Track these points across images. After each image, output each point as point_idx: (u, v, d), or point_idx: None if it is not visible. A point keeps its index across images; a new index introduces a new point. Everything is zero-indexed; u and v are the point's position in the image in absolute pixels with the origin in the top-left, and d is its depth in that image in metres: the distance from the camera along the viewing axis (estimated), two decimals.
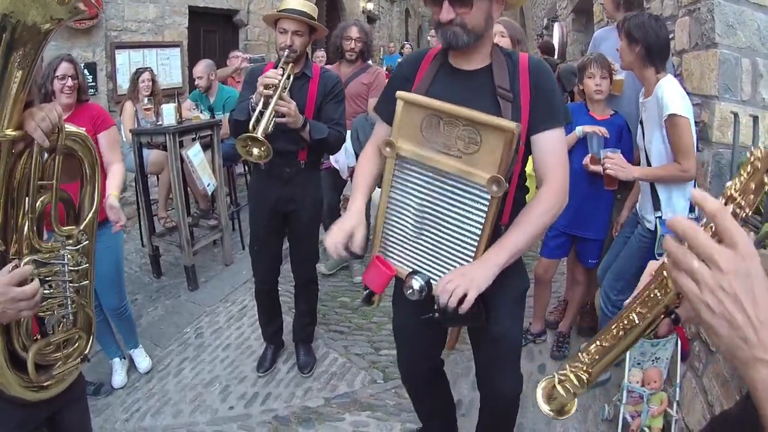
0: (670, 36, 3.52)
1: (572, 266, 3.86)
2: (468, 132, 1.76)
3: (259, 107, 2.89)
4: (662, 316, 0.98)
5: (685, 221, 0.79)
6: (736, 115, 2.91)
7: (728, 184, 0.86)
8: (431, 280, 1.94)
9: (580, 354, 1.18)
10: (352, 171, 4.25)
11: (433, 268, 1.98)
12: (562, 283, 4.38)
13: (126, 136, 5.15)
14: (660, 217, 2.89)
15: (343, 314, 4.45)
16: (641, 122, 3.00)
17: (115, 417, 3.31)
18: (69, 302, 1.56)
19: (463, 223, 1.87)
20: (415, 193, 1.93)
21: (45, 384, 1.55)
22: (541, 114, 1.92)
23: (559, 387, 1.20)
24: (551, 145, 1.94)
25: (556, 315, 4.09)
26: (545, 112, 1.92)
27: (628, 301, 1.08)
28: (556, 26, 10.32)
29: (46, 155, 1.47)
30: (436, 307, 1.87)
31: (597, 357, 1.14)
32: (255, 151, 2.92)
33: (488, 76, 1.95)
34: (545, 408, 1.29)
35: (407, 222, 1.98)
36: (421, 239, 1.97)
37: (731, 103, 3.01)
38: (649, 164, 2.97)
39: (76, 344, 1.66)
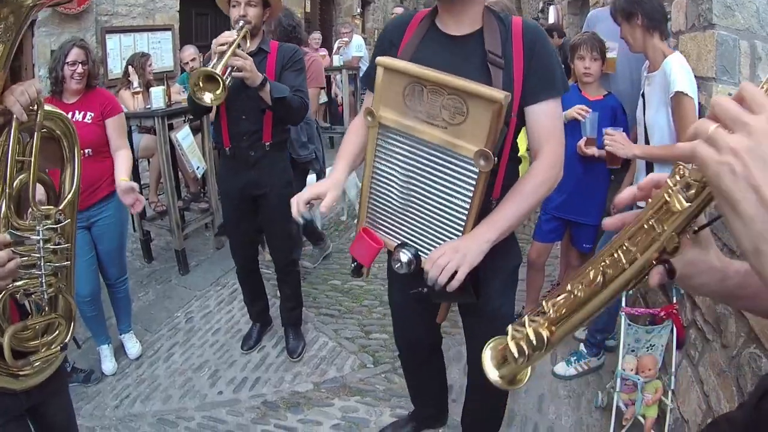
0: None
1: (566, 250, 3.85)
2: (453, 101, 1.65)
3: (214, 59, 2.78)
4: (654, 261, 0.77)
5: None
6: None
7: None
8: (420, 253, 1.87)
9: (544, 303, 0.93)
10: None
11: (422, 240, 1.90)
12: (556, 267, 4.37)
13: None
14: None
15: (333, 297, 4.43)
16: (643, 96, 2.95)
17: (106, 404, 3.29)
18: (45, 282, 1.52)
19: (451, 196, 1.78)
20: (400, 163, 1.84)
21: (23, 372, 1.51)
22: (537, 83, 1.80)
23: (511, 344, 0.96)
24: (547, 117, 1.82)
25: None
26: (541, 81, 1.80)
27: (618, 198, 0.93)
28: (552, 9, 10.25)
29: (27, 138, 1.46)
30: (426, 281, 1.82)
31: (565, 311, 0.89)
32: (207, 96, 2.77)
33: (479, 41, 1.82)
34: (493, 374, 1.06)
35: (393, 193, 1.89)
36: (408, 211, 1.89)
37: (729, 85, 2.95)
38: (647, 141, 2.92)
39: (56, 332, 1.62)
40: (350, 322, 4.06)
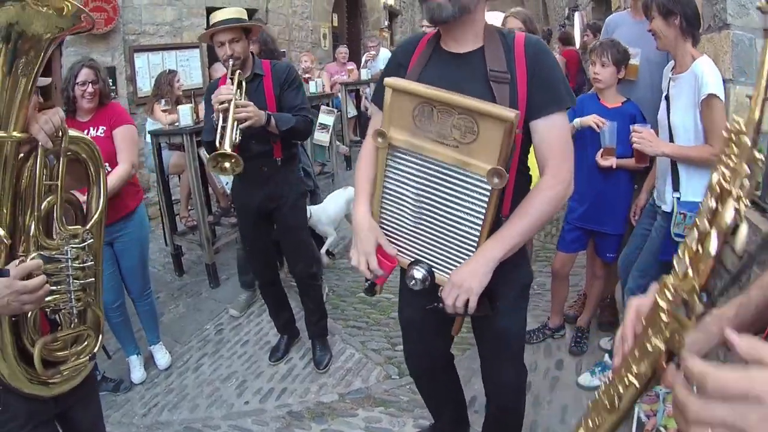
0: None
1: (591, 260, 3.80)
2: (464, 121, 1.67)
3: (220, 123, 2.99)
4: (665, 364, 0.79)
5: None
6: (751, 98, 2.80)
7: (714, 177, 0.75)
8: (433, 269, 1.91)
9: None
10: None
11: (435, 257, 1.93)
12: (582, 277, 4.34)
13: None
14: (678, 198, 2.83)
15: (361, 310, 4.46)
16: (667, 98, 2.91)
17: (134, 412, 3.38)
18: (73, 297, 1.61)
19: (464, 214, 1.80)
20: (411, 183, 1.86)
21: (52, 380, 1.60)
22: (540, 97, 1.79)
23: None
24: (552, 132, 1.82)
25: (575, 309, 4.03)
26: (545, 96, 1.79)
27: (615, 363, 0.94)
28: (577, 15, 10.23)
29: (54, 161, 1.55)
30: (440, 296, 1.85)
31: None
32: (226, 164, 3.01)
33: (480, 58, 1.83)
34: None
35: (405, 212, 1.92)
36: (421, 229, 1.92)
37: (746, 86, 2.90)
38: (671, 142, 2.88)
39: (86, 342, 1.72)
40: (377, 334, 4.10)
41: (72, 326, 1.65)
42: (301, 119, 3.26)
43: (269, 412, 3.30)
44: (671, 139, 2.90)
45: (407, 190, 1.89)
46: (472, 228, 1.81)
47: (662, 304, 0.79)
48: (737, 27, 2.90)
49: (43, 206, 1.53)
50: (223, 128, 2.97)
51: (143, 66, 6.46)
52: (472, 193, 1.76)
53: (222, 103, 2.97)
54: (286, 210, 3.44)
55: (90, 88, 3.28)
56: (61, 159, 1.54)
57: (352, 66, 9.57)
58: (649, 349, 0.81)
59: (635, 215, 3.36)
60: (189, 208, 5.81)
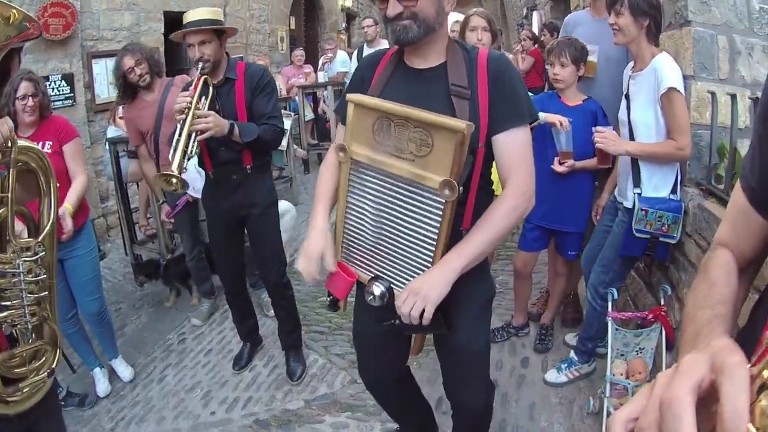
0: None
1: (553, 258, 3.85)
2: (419, 134, 1.69)
3: (176, 135, 2.87)
4: None
5: None
6: (713, 94, 2.85)
7: None
8: (392, 286, 1.89)
9: None
10: None
11: (394, 273, 1.93)
12: (545, 274, 4.37)
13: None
14: (639, 194, 2.85)
15: (323, 314, 4.43)
16: (627, 96, 2.94)
17: (102, 427, 3.31)
18: (27, 312, 1.55)
19: (419, 228, 1.80)
20: (371, 197, 1.88)
21: (12, 398, 1.54)
22: (502, 112, 1.80)
23: None
24: (514, 145, 1.81)
25: (538, 307, 4.09)
26: (506, 110, 1.80)
27: None
28: (535, 15, 10.34)
29: (5, 173, 1.49)
30: (398, 314, 1.83)
31: None
32: (173, 180, 2.87)
33: (443, 74, 1.84)
34: None
35: (365, 227, 1.92)
36: (380, 244, 1.92)
37: (708, 82, 2.95)
38: (632, 140, 2.90)
39: (44, 358, 1.65)
40: (340, 338, 4.07)
41: (29, 342, 1.59)
42: (269, 129, 3.16)
43: (236, 422, 3.26)
44: (632, 137, 2.91)
45: (367, 204, 1.89)
46: (427, 242, 1.81)
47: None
48: (698, 24, 2.94)
49: None
50: (177, 141, 2.85)
51: (101, 72, 6.32)
52: (427, 207, 1.77)
53: (180, 112, 2.84)
54: (256, 218, 3.37)
55: (30, 102, 3.16)
56: (11, 170, 1.48)
57: (309, 69, 9.53)
58: None
59: (597, 215, 3.39)
60: (148, 216, 5.70)
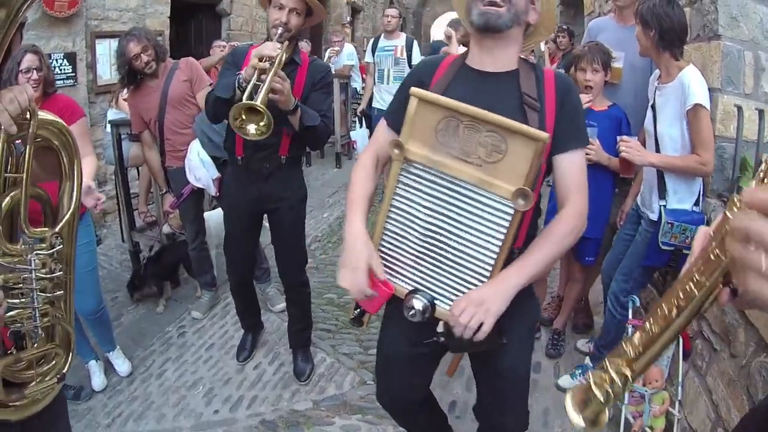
0: None
1: (568, 263, 3.81)
2: (492, 138, 1.59)
3: (254, 80, 2.54)
4: (721, 284, 0.84)
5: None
6: (740, 108, 2.85)
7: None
8: (435, 301, 1.76)
9: (622, 344, 1.00)
10: (219, 183, 3.91)
11: (438, 287, 1.79)
12: (555, 279, 4.31)
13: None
14: (665, 206, 2.84)
15: (330, 311, 4.33)
16: (653, 107, 2.93)
17: (97, 422, 3.15)
18: (38, 314, 1.38)
19: (480, 239, 1.69)
20: (424, 203, 1.74)
21: (15, 403, 1.39)
22: (567, 133, 1.77)
23: (595, 389, 1.01)
24: (575, 167, 1.80)
25: (549, 311, 4.05)
26: (571, 132, 1.78)
27: (684, 269, 0.95)
28: None
29: (22, 148, 1.33)
30: (440, 330, 1.72)
31: (642, 348, 0.95)
32: (251, 127, 2.53)
33: (514, 81, 1.79)
34: (577, 419, 1.06)
35: (411, 235, 1.78)
36: (427, 255, 1.77)
37: (733, 96, 2.97)
38: (658, 152, 2.91)
39: (53, 362, 1.48)
40: (348, 337, 3.97)
41: (37, 345, 1.42)
42: (323, 124, 2.99)
43: (241, 422, 3.12)
44: (657, 149, 2.93)
45: (418, 209, 1.76)
46: (487, 254, 1.70)
47: (729, 215, 0.81)
48: (728, 38, 2.97)
49: (4, 203, 1.29)
50: (255, 87, 2.52)
51: (104, 53, 6.14)
52: (492, 217, 1.66)
53: (263, 59, 2.54)
54: (283, 213, 3.21)
55: (35, 75, 3.01)
56: (29, 147, 1.30)
57: None
58: (712, 257, 0.83)
59: (621, 221, 3.36)
60: (148, 202, 5.55)
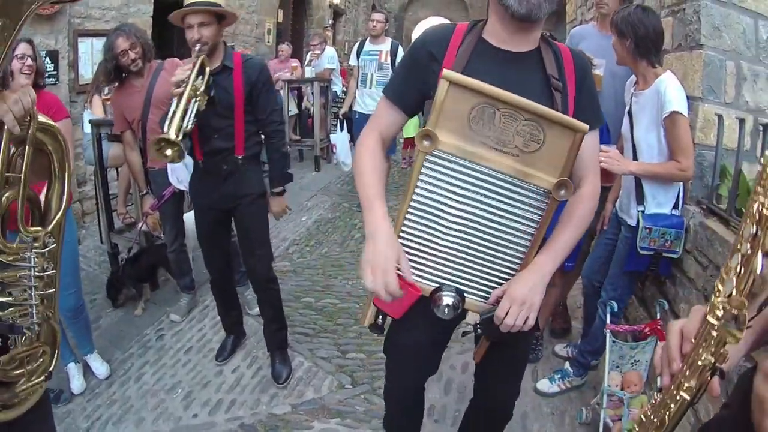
0: None
1: None
2: (530, 127, 1.53)
3: (172, 107, 2.70)
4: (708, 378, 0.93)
5: None
6: (720, 117, 2.89)
7: (754, 206, 0.82)
8: (465, 294, 1.70)
9: None
10: None
11: (468, 278, 1.74)
12: None
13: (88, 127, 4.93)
14: (643, 211, 2.87)
15: (307, 315, 4.33)
16: (630, 113, 2.96)
17: (77, 425, 3.12)
18: (34, 311, 1.39)
19: (516, 229, 1.66)
20: (453, 195, 1.64)
21: (8, 403, 1.39)
22: (585, 113, 1.69)
23: None
24: (591, 148, 1.76)
25: None
26: (589, 112, 1.73)
27: (665, 381, 1.02)
28: None
29: (13, 148, 1.33)
30: (474, 322, 1.70)
31: None
32: (168, 152, 2.71)
33: (538, 61, 1.71)
34: None
35: (438, 229, 1.68)
36: (456, 248, 1.70)
37: (714, 104, 3.02)
38: (635, 158, 2.94)
39: (40, 360, 1.49)
40: (326, 341, 3.97)
41: (26, 342, 1.43)
42: (278, 137, 3.35)
43: (220, 426, 3.11)
44: (635, 155, 2.95)
45: (446, 203, 1.66)
46: (522, 244, 1.69)
47: (713, 321, 0.88)
48: (710, 48, 3.01)
49: (2, 202, 1.31)
50: (174, 112, 2.68)
51: (87, 51, 6.10)
52: (528, 207, 1.64)
53: (177, 85, 2.71)
54: (244, 209, 3.30)
55: (29, 62, 3.03)
56: (28, 147, 1.32)
57: (295, 63, 9.39)
58: (700, 364, 0.91)
59: (604, 226, 3.38)
60: (127, 203, 5.51)
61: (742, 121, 2.79)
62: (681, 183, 2.90)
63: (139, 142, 4.09)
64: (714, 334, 0.88)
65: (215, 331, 4.02)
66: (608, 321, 2.95)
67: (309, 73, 9.05)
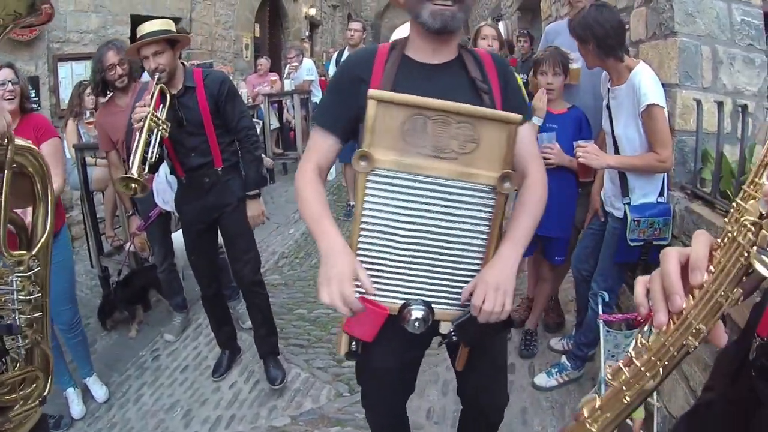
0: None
1: (537, 264, 3.84)
2: (464, 129, 1.56)
3: (134, 143, 2.87)
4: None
5: None
6: (699, 102, 2.91)
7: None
8: (432, 304, 1.68)
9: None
10: None
11: (433, 288, 1.72)
12: (524, 281, 4.35)
13: (70, 152, 4.92)
14: (629, 204, 2.88)
15: (301, 327, 4.33)
16: (608, 108, 2.96)
17: None
18: (20, 336, 1.38)
19: (470, 230, 1.67)
20: (401, 210, 1.64)
21: (2, 429, 1.38)
22: (514, 108, 1.73)
23: None
24: (527, 140, 1.81)
25: (520, 313, 4.06)
26: (517, 106, 1.77)
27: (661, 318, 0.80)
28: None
29: None
30: (444, 331, 1.70)
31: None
32: (134, 185, 2.88)
33: (460, 68, 1.78)
34: None
35: (393, 246, 1.68)
36: (415, 261, 1.69)
37: (692, 90, 3.03)
38: (617, 152, 2.95)
39: (33, 385, 1.48)
40: (321, 351, 3.97)
41: (18, 368, 1.42)
42: (251, 142, 3.35)
43: None
44: (616, 148, 2.95)
45: (396, 219, 1.66)
46: (479, 243, 1.70)
47: (742, 242, 0.69)
48: (684, 34, 3.01)
49: None
50: (136, 148, 2.85)
51: (66, 76, 6.10)
52: (477, 207, 1.66)
53: (138, 121, 2.85)
54: (228, 217, 3.38)
55: (10, 86, 3.02)
56: (6, 171, 1.30)
57: (274, 76, 9.38)
58: (719, 300, 0.71)
59: (600, 217, 3.36)
60: (115, 226, 5.49)
61: (720, 105, 2.79)
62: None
63: (124, 162, 4.07)
64: (742, 260, 0.68)
65: (210, 348, 4.01)
66: (601, 311, 2.94)
67: (288, 85, 9.02)
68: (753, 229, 0.68)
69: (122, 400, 3.55)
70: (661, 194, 2.90)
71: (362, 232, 1.67)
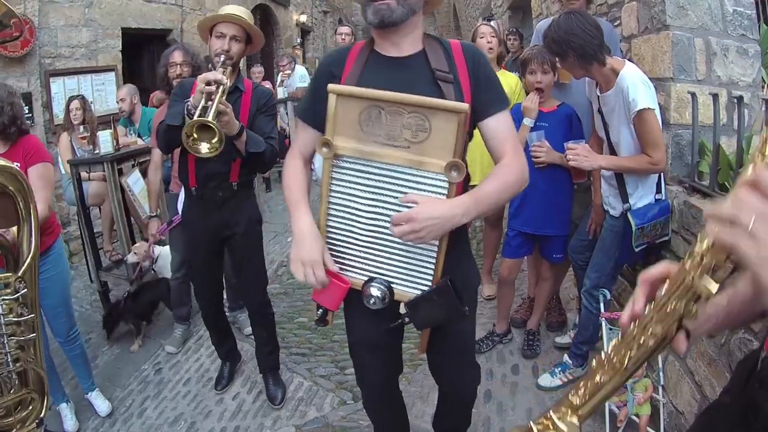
0: (616, 23, 3.52)
1: (536, 263, 3.84)
2: (415, 119, 1.67)
3: (202, 103, 2.58)
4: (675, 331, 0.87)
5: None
6: (693, 95, 2.90)
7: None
8: (392, 285, 1.82)
9: (568, 395, 1.01)
10: None
11: (392, 270, 1.85)
12: (523, 281, 4.34)
13: (65, 168, 4.91)
14: (629, 209, 2.86)
15: (302, 335, 4.31)
16: (601, 113, 2.92)
17: None
18: (9, 358, 1.36)
19: None
20: (361, 193, 1.80)
21: None
22: (487, 98, 1.83)
23: None
24: (503, 128, 1.85)
25: (521, 313, 4.07)
26: (490, 96, 1.84)
27: (623, 318, 0.98)
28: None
29: None
30: (402, 311, 1.78)
31: (588, 396, 0.98)
32: (203, 146, 2.59)
33: (423, 60, 1.83)
34: None
35: (356, 227, 1.84)
36: (375, 242, 1.83)
37: (686, 83, 3.02)
38: (613, 155, 2.92)
39: (30, 407, 1.46)
40: (323, 359, 3.94)
41: (12, 391, 1.40)
42: (269, 148, 3.02)
43: None
44: (612, 151, 2.93)
45: (357, 201, 1.82)
46: None
47: (689, 269, 0.82)
48: (676, 27, 3.01)
49: None
50: (206, 107, 2.57)
51: (59, 91, 6.08)
52: (429, 193, 1.73)
53: (209, 83, 2.58)
54: (240, 237, 3.21)
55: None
56: None
57: (268, 85, 9.36)
58: (669, 310, 0.86)
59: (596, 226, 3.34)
60: (112, 240, 5.47)
61: (715, 96, 2.78)
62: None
63: (168, 162, 4.08)
64: (688, 282, 0.83)
65: (212, 360, 3.99)
66: (603, 309, 2.95)
67: (281, 93, 8.99)
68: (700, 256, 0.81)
69: (126, 415, 3.52)
70: (658, 191, 2.89)
71: (330, 213, 1.87)
